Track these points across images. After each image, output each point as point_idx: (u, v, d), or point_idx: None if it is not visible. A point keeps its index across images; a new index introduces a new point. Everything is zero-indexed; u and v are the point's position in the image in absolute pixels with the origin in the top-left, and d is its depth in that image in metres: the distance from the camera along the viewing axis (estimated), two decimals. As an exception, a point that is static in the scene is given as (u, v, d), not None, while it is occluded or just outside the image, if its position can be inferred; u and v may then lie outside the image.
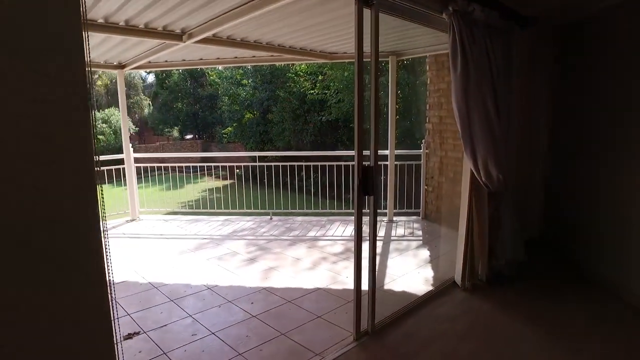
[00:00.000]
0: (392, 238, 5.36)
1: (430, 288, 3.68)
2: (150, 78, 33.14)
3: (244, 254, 4.80)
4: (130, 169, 6.37)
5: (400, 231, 5.61)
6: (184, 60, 5.90)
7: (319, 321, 3.18)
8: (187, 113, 27.25)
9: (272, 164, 7.48)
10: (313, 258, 4.61)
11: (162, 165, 7.56)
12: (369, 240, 2.77)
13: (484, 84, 3.00)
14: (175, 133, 31.11)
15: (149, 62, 5.97)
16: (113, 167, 6.67)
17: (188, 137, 31.32)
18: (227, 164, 8.70)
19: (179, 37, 4.32)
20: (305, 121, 16.31)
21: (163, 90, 27.63)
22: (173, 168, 8.78)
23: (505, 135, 3.22)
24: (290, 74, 16.68)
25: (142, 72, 32.83)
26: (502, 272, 3.69)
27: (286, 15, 3.86)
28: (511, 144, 3.37)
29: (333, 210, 6.76)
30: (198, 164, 7.53)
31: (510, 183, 3.43)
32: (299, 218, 6.47)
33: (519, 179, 3.98)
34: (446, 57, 5.65)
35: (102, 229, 1.34)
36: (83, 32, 1.26)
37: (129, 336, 3.04)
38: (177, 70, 26.81)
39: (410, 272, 4.13)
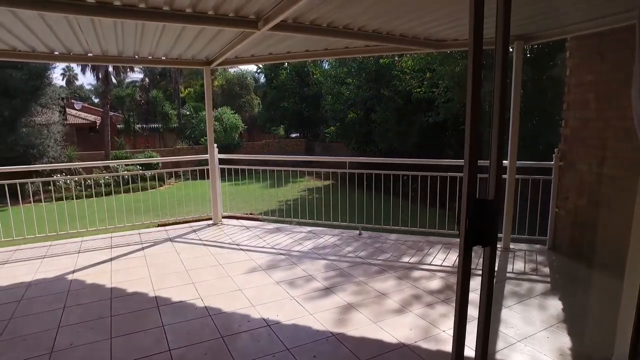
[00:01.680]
0: (507, 274, 4.17)
1: (569, 370, 2.54)
2: (262, 79, 34.58)
3: (320, 280, 4.05)
4: (214, 171, 6.05)
5: (519, 265, 4.38)
6: (271, 54, 5.37)
7: (399, 405, 2.29)
8: (293, 112, 27.68)
9: (368, 171, 6.64)
10: (403, 295, 3.68)
11: (247, 167, 7.16)
12: (479, 312, 1.78)
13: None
14: (281, 131, 31.97)
15: (236, 57, 5.59)
16: (205, 167, 6.30)
17: (293, 135, 32.01)
18: (323, 170, 7.98)
19: (254, 23, 3.74)
20: (410, 122, 15.16)
21: (271, 89, 28.45)
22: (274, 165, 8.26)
23: None
24: (395, 72, 15.64)
25: (254, 73, 34.43)
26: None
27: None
28: None
29: (433, 230, 5.62)
30: (295, 168, 6.85)
31: None
32: (393, 236, 5.53)
33: None
34: (597, 38, 4.25)
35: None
36: None
37: (160, 387, 2.48)
38: (285, 69, 27.36)
39: (535, 334, 2.98)
